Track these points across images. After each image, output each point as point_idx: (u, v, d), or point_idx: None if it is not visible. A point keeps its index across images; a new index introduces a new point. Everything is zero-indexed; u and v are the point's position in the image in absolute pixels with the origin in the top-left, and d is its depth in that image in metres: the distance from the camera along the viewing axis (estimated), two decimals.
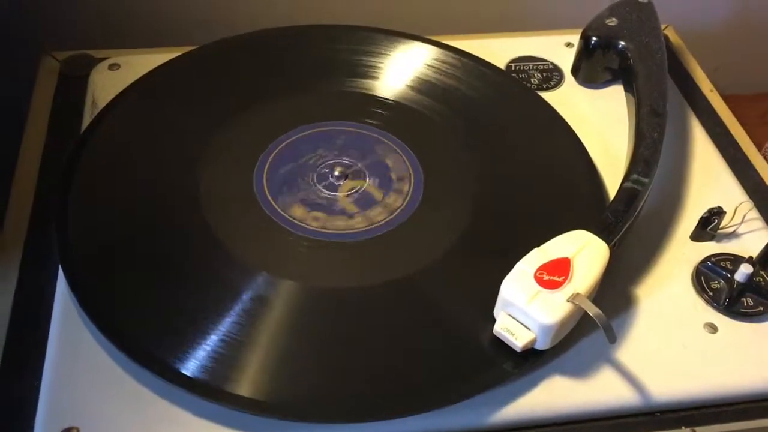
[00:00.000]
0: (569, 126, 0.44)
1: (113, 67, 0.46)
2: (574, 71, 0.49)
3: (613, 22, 0.47)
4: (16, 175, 0.41)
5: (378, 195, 0.40)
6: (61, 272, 0.36)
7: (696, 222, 0.40)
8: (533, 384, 0.33)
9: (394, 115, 0.44)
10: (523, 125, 0.44)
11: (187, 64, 0.45)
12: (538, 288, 0.32)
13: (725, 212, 0.39)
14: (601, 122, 0.46)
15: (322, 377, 0.33)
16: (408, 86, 0.45)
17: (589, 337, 0.35)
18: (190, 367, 0.32)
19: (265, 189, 0.39)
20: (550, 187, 0.41)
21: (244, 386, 0.32)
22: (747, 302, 0.37)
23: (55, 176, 0.40)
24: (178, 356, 0.32)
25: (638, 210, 0.37)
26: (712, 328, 0.36)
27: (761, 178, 0.44)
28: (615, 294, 0.37)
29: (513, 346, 0.32)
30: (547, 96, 0.46)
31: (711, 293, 0.37)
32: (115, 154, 0.40)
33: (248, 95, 0.44)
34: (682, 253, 0.39)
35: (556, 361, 0.34)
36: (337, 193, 0.40)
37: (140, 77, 0.44)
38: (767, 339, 0.36)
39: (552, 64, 0.49)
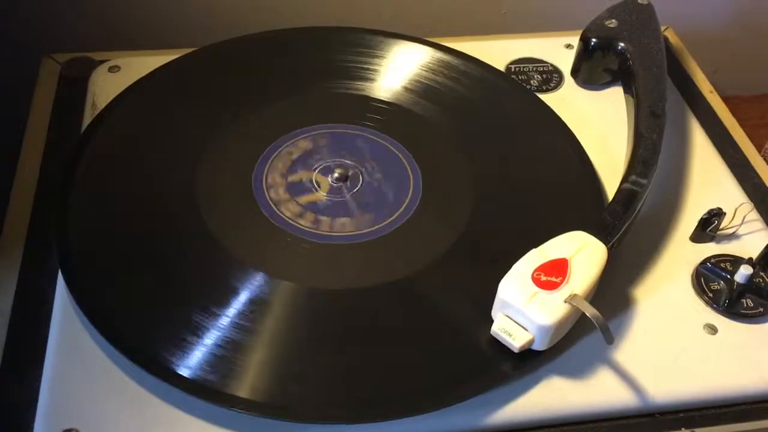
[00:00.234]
0: (568, 127, 0.44)
1: (113, 69, 0.46)
2: (574, 73, 0.49)
3: (612, 23, 0.47)
4: (16, 176, 0.41)
5: (377, 196, 0.40)
6: (60, 274, 0.36)
7: (696, 223, 0.40)
8: (531, 385, 0.33)
9: (392, 118, 0.44)
10: (522, 127, 0.44)
11: (186, 66, 0.45)
12: (536, 289, 0.32)
13: (725, 213, 0.39)
14: (600, 123, 0.46)
15: (320, 378, 0.33)
16: (407, 88, 0.45)
17: (588, 338, 0.35)
18: (189, 368, 0.32)
19: (264, 190, 0.39)
20: (549, 188, 0.41)
21: (243, 387, 0.32)
22: (747, 303, 0.37)
23: (55, 178, 0.40)
24: (176, 357, 0.32)
25: (637, 211, 0.37)
26: (712, 330, 0.36)
27: (761, 179, 0.44)
28: (615, 295, 0.37)
29: (511, 347, 0.32)
30: (546, 97, 0.46)
31: (711, 294, 0.37)
32: (114, 155, 0.41)
33: (247, 97, 0.44)
34: (681, 255, 0.39)
35: (555, 362, 0.34)
36: (335, 195, 0.40)
37: (139, 79, 0.44)
38: (767, 340, 0.36)
39: (551, 65, 0.49)
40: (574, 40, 0.48)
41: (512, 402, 0.33)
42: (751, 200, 0.42)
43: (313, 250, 0.37)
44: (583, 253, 0.33)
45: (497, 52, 0.49)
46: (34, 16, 0.55)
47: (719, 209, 0.39)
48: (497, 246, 0.38)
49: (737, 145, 0.46)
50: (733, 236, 0.40)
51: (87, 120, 0.43)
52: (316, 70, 0.46)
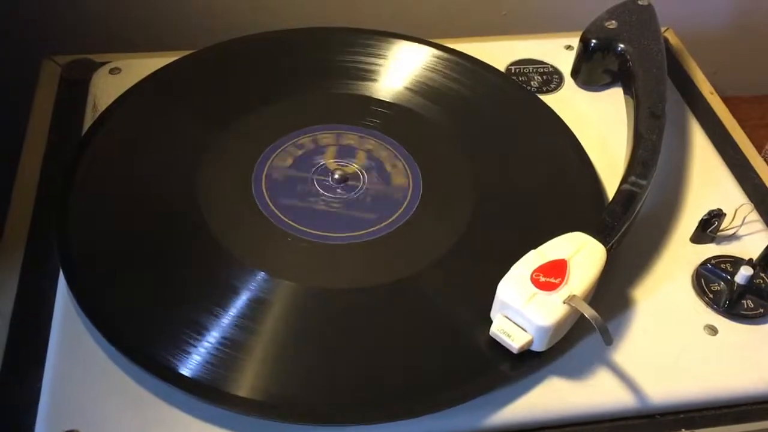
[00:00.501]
0: (569, 128, 0.44)
1: (114, 71, 0.47)
2: (574, 74, 0.49)
3: (612, 24, 0.47)
4: (17, 178, 0.42)
5: (377, 197, 0.40)
6: (61, 275, 0.36)
7: (696, 224, 0.40)
8: (531, 386, 0.33)
9: (393, 118, 0.44)
10: (522, 127, 0.44)
11: (187, 67, 0.45)
12: (535, 290, 0.32)
13: (725, 214, 0.39)
14: (600, 124, 0.46)
15: (321, 379, 0.33)
16: (408, 89, 0.45)
17: (588, 339, 0.35)
18: (190, 369, 0.32)
19: (264, 191, 0.39)
20: (549, 188, 0.41)
21: (244, 388, 0.32)
22: (747, 304, 0.37)
23: (55, 179, 0.40)
24: (177, 358, 0.32)
25: (636, 212, 0.37)
26: (713, 330, 0.36)
27: (761, 180, 0.44)
28: (615, 296, 0.37)
29: (510, 348, 0.32)
30: (546, 98, 0.46)
31: (711, 295, 0.37)
32: (115, 157, 0.41)
33: (247, 98, 0.44)
34: (682, 255, 0.39)
35: (554, 363, 0.34)
36: (335, 196, 0.40)
37: (140, 81, 0.44)
38: (767, 341, 0.36)
39: (552, 66, 0.49)
40: (574, 41, 0.48)
41: (511, 403, 0.33)
42: (752, 201, 0.42)
43: (313, 249, 0.37)
44: (582, 254, 0.33)
45: (497, 53, 0.49)
46: (34, 17, 0.56)
47: (719, 210, 0.39)
48: (496, 247, 0.38)
49: (737, 145, 0.46)
50: (733, 237, 0.40)
51: (88, 122, 0.43)
52: (316, 71, 0.46)
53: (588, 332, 0.35)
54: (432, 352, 0.34)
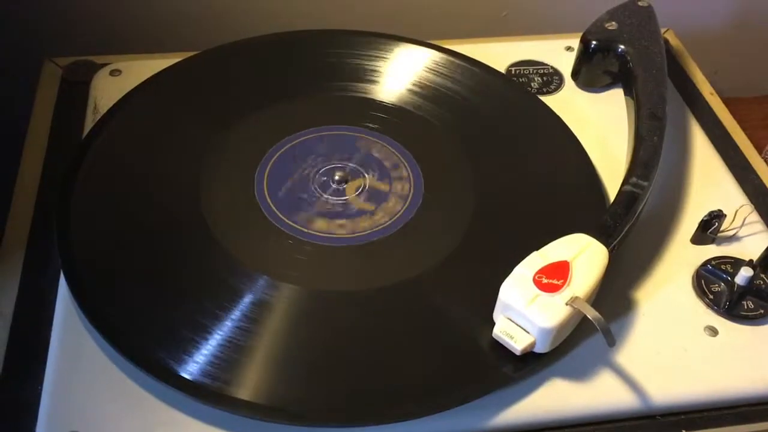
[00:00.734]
0: (569, 129, 0.44)
1: (115, 73, 0.46)
2: (574, 75, 0.49)
3: (612, 26, 0.47)
4: (17, 180, 0.42)
5: (378, 198, 0.40)
6: (62, 277, 0.36)
7: (696, 225, 0.40)
8: (533, 388, 0.33)
9: (394, 120, 0.44)
10: (523, 129, 0.44)
11: (188, 69, 0.45)
12: (537, 291, 0.32)
13: (725, 215, 0.39)
14: (601, 126, 0.46)
15: (322, 381, 0.33)
16: (408, 90, 0.45)
17: (589, 341, 0.35)
18: (191, 371, 0.32)
19: (266, 193, 0.39)
20: (550, 190, 0.41)
21: (245, 390, 0.32)
22: (747, 305, 0.37)
23: (56, 181, 0.40)
24: (179, 360, 0.32)
25: (638, 213, 0.37)
26: (713, 332, 0.36)
27: (762, 181, 0.44)
28: (615, 297, 0.37)
29: (512, 350, 0.33)
30: (547, 100, 0.46)
31: (711, 296, 0.37)
32: (116, 159, 0.41)
33: (248, 100, 0.44)
34: (682, 257, 0.39)
35: (556, 364, 0.34)
36: (337, 197, 0.40)
37: (141, 83, 0.44)
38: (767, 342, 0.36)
39: (552, 68, 0.49)
40: (575, 42, 0.48)
41: (514, 404, 0.33)
42: (752, 202, 0.42)
43: (315, 252, 0.37)
44: (584, 256, 0.33)
45: (497, 54, 0.49)
46: (34, 18, 0.55)
47: (720, 211, 0.39)
48: (498, 248, 0.38)
49: (738, 146, 0.46)
50: (733, 238, 0.40)
51: (88, 123, 0.43)
52: (316, 73, 0.46)
53: (590, 333, 0.35)
54: (434, 354, 0.34)
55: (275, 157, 0.41)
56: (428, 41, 0.48)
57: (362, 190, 0.40)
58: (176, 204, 0.39)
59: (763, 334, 0.36)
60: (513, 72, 0.49)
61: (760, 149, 0.46)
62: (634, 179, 0.37)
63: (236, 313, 0.34)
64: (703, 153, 0.45)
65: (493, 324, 0.33)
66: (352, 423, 0.32)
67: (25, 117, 0.45)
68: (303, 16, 0.58)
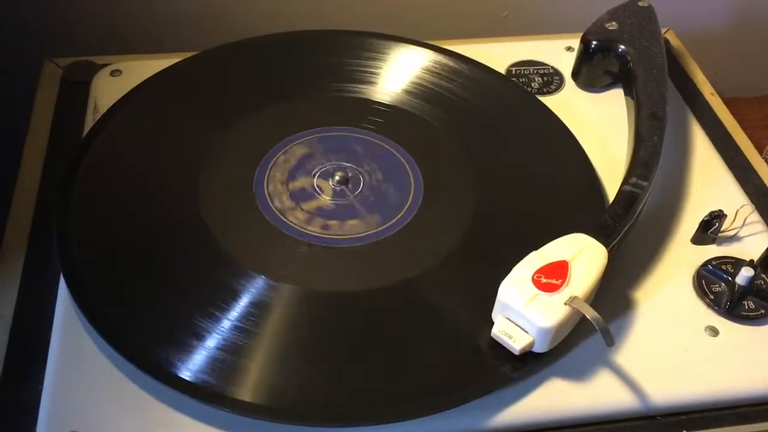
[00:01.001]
0: (569, 130, 0.44)
1: (115, 73, 0.47)
2: (575, 75, 0.49)
3: (613, 26, 0.47)
4: (18, 180, 0.42)
5: (378, 199, 0.40)
6: (62, 278, 0.36)
7: (697, 225, 0.40)
8: (532, 388, 0.33)
9: (393, 120, 0.44)
10: (523, 129, 0.44)
11: (188, 69, 0.45)
12: (536, 291, 0.32)
13: (726, 215, 0.39)
14: (601, 126, 0.46)
15: (321, 381, 0.33)
16: (407, 91, 0.45)
17: (589, 340, 0.35)
18: (191, 372, 0.32)
19: (265, 193, 0.39)
20: (550, 190, 0.41)
21: (245, 390, 0.32)
22: (748, 305, 0.37)
23: (56, 182, 0.40)
24: (178, 360, 0.32)
25: (637, 213, 0.37)
26: (714, 332, 0.36)
27: (762, 181, 0.44)
28: (616, 297, 0.37)
29: (511, 350, 0.32)
30: (547, 100, 0.46)
31: (712, 296, 0.37)
32: (116, 159, 0.41)
33: (248, 101, 0.44)
34: (682, 256, 0.39)
35: (556, 364, 0.34)
36: (336, 198, 0.40)
37: (141, 83, 0.44)
38: None
39: (552, 68, 0.49)
40: (575, 42, 0.48)
41: (513, 404, 0.33)
42: (752, 202, 0.42)
43: (314, 252, 0.37)
44: (583, 256, 0.33)
45: (498, 54, 0.49)
46: (35, 18, 0.56)
47: (720, 211, 0.39)
48: (498, 248, 0.38)
49: (738, 146, 0.46)
50: (734, 238, 0.40)
51: (88, 124, 0.43)
52: (316, 74, 0.46)
53: (589, 333, 0.35)
54: (433, 354, 0.34)
55: (275, 157, 0.41)
56: (428, 41, 0.48)
57: (361, 191, 0.40)
58: (176, 204, 0.39)
59: (764, 334, 0.36)
60: (513, 72, 0.49)
61: (760, 149, 0.46)
62: (633, 179, 0.37)
63: (236, 314, 0.34)
64: (703, 153, 0.45)
65: (491, 324, 0.33)
66: (351, 423, 0.32)
67: (25, 117, 0.45)
68: (303, 16, 0.58)
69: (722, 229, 0.39)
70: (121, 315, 0.34)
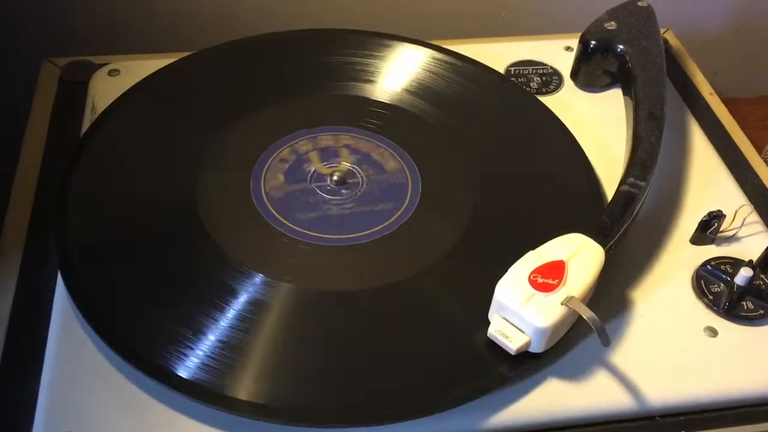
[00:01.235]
0: (568, 129, 0.44)
1: (113, 72, 0.47)
2: (573, 75, 0.49)
3: (612, 26, 0.47)
4: (16, 179, 0.42)
5: (376, 198, 0.40)
6: (60, 276, 0.36)
7: (696, 225, 0.40)
8: (529, 388, 0.33)
9: (392, 120, 0.44)
10: (522, 129, 0.44)
11: (186, 69, 0.45)
12: (533, 291, 0.32)
13: (725, 215, 0.39)
14: (599, 126, 0.46)
15: (320, 381, 0.33)
16: (407, 90, 0.45)
17: (588, 341, 0.35)
18: (189, 371, 0.32)
19: (263, 192, 0.39)
20: (548, 189, 0.41)
21: (243, 390, 0.32)
22: (747, 306, 0.37)
23: (54, 180, 0.40)
24: (176, 360, 0.32)
25: (635, 213, 0.37)
26: (712, 332, 0.36)
27: (761, 181, 0.44)
28: (615, 298, 0.37)
29: (507, 350, 0.32)
30: (546, 100, 0.46)
31: (711, 297, 0.37)
32: (114, 158, 0.41)
33: (246, 100, 0.44)
34: (681, 257, 0.39)
35: (553, 365, 0.34)
36: (334, 197, 0.40)
37: (138, 82, 0.44)
38: (767, 342, 0.36)
39: (551, 68, 0.49)
40: (574, 42, 0.48)
41: (510, 405, 0.33)
42: (751, 202, 0.42)
43: (312, 251, 0.37)
44: (580, 256, 0.33)
45: (497, 54, 0.49)
46: (34, 18, 0.56)
47: (719, 211, 0.39)
48: (495, 248, 0.38)
49: (737, 147, 0.46)
50: (733, 238, 0.40)
51: (86, 123, 0.43)
52: (314, 73, 0.46)
53: (587, 334, 0.35)
54: (430, 354, 0.34)
55: (273, 156, 0.41)
56: (428, 41, 0.48)
57: (360, 190, 0.40)
58: (174, 204, 0.39)
59: (763, 334, 0.36)
60: (512, 72, 0.49)
61: (759, 149, 0.46)
62: (631, 179, 0.37)
63: (234, 313, 0.34)
64: (702, 153, 0.45)
65: (488, 323, 0.33)
66: (349, 424, 0.32)
67: (23, 117, 0.45)
68: (302, 15, 0.58)
69: (721, 229, 0.39)
70: (118, 314, 0.34)
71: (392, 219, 0.39)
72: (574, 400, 0.33)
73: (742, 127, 0.47)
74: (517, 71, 0.49)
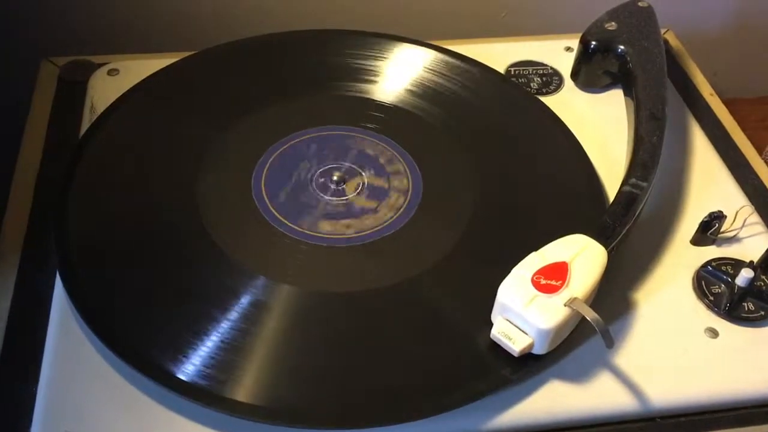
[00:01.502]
0: (569, 130, 0.44)
1: (112, 72, 0.46)
2: (574, 75, 0.49)
3: (612, 26, 0.47)
4: (14, 178, 0.41)
5: (377, 199, 0.40)
6: (58, 277, 0.36)
7: (696, 226, 0.39)
8: (532, 389, 0.33)
9: (393, 120, 0.44)
10: (522, 129, 0.44)
11: (186, 69, 0.45)
12: (536, 292, 0.32)
13: (726, 216, 0.39)
14: (600, 126, 0.46)
15: (320, 383, 0.32)
16: (407, 90, 0.45)
17: (589, 342, 0.35)
18: (188, 372, 0.32)
19: (263, 193, 0.39)
20: (549, 190, 0.41)
21: (242, 391, 0.32)
22: (748, 307, 0.37)
23: (53, 181, 0.40)
24: (175, 361, 0.32)
25: (637, 214, 0.37)
26: (713, 333, 0.36)
27: (761, 182, 0.44)
28: (615, 299, 0.37)
29: (510, 351, 0.32)
30: (546, 100, 0.46)
31: (712, 298, 0.37)
32: (113, 158, 0.40)
33: (246, 100, 0.44)
34: (682, 258, 0.39)
35: (556, 366, 0.34)
36: (335, 198, 0.40)
37: (138, 82, 0.44)
38: None
39: (552, 68, 0.49)
40: (574, 42, 0.48)
41: (513, 406, 0.33)
42: (752, 203, 0.42)
43: (312, 252, 0.37)
44: (583, 257, 0.33)
45: (497, 54, 0.49)
46: (33, 18, 0.55)
47: (720, 212, 0.39)
48: (497, 249, 0.38)
49: (738, 147, 0.46)
50: (734, 239, 0.40)
51: (86, 123, 0.43)
52: (315, 73, 0.46)
53: (589, 335, 0.35)
54: (432, 355, 0.33)
55: (273, 156, 0.41)
56: (428, 41, 0.48)
57: (360, 191, 0.40)
58: (174, 204, 0.38)
59: (764, 335, 0.36)
60: (512, 72, 0.49)
61: (760, 150, 0.46)
62: (633, 180, 0.37)
63: (234, 315, 0.34)
64: (703, 154, 0.45)
65: (491, 325, 0.33)
66: (350, 425, 0.32)
67: (22, 117, 0.44)
68: (302, 16, 0.58)
69: (722, 230, 0.39)
70: (117, 314, 0.34)
71: (393, 219, 0.39)
72: (575, 401, 0.33)
73: (743, 128, 0.47)
74: (517, 71, 0.49)
